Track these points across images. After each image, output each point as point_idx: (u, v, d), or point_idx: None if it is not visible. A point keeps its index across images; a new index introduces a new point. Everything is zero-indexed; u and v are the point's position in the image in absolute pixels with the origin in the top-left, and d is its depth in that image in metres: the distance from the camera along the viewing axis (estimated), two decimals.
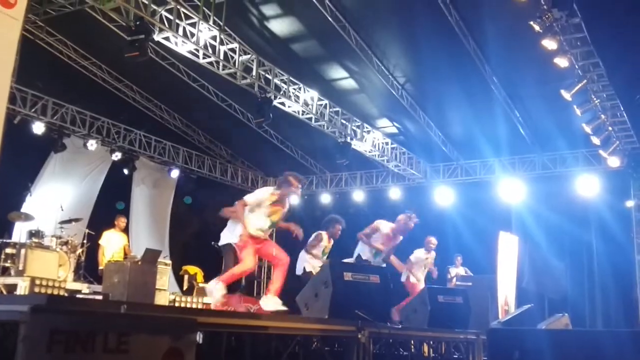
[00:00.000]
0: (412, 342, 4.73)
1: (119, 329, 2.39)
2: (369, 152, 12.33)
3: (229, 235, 7.27)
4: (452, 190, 13.43)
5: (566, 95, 8.19)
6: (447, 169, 13.55)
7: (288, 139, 13.93)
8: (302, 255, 7.94)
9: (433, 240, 9.84)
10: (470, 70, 10.05)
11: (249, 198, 6.18)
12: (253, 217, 6.10)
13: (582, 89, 8.42)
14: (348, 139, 11.58)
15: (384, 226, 7.94)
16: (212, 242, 8.95)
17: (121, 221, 10.04)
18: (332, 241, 8.09)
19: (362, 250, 7.95)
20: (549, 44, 7.24)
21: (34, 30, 11.25)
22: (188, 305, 10.31)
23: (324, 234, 7.98)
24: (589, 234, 13.01)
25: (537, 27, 6.87)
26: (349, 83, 11.45)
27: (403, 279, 9.85)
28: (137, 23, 7.90)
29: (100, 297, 7.90)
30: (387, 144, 12.52)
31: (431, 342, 4.58)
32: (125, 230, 10.65)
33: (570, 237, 13.16)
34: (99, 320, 2.33)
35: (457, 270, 11.43)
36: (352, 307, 4.46)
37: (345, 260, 7.47)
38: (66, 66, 11.63)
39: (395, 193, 14.08)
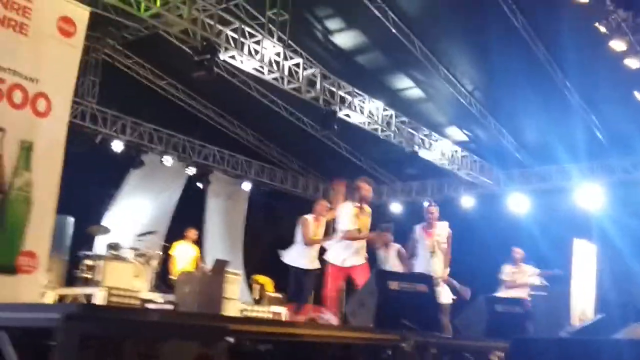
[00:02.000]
0: (466, 353, 4.68)
1: (150, 336, 2.54)
2: (438, 160, 12.20)
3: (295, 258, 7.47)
4: (526, 198, 13.04)
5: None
6: (522, 175, 13.18)
7: (357, 149, 13.98)
8: None
9: (519, 251, 9.72)
10: (541, 75, 9.80)
11: (344, 225, 6.38)
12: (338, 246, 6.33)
13: None
14: (416, 148, 11.52)
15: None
16: (279, 250, 9.18)
17: (192, 233, 10.40)
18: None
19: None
20: (618, 45, 6.97)
21: (113, 54, 11.95)
22: (256, 315, 10.51)
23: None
24: None
25: (603, 29, 6.64)
26: (416, 92, 11.42)
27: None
28: (204, 43, 8.23)
29: (171, 307, 8.23)
30: (456, 152, 12.34)
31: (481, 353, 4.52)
32: (198, 242, 11.00)
33: None
34: (130, 328, 2.48)
35: (530, 280, 11.06)
36: (398, 316, 4.48)
37: None
38: (143, 87, 12.25)
39: (467, 201, 13.83)
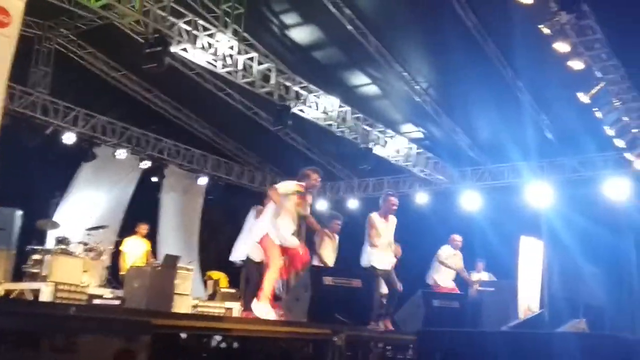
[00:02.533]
0: (390, 346, 4.76)
1: (68, 330, 2.51)
2: (393, 157, 12.30)
3: (244, 248, 7.41)
4: (479, 195, 13.28)
5: (583, 98, 8.06)
6: (475, 173, 13.40)
7: (314, 144, 14.03)
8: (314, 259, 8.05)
9: (458, 238, 9.89)
10: (493, 74, 9.97)
11: (279, 187, 6.34)
12: (280, 222, 6.19)
13: (603, 91, 8.24)
14: (370, 145, 11.59)
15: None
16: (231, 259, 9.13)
17: (142, 228, 10.29)
18: (336, 236, 8.24)
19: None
20: (562, 46, 7.14)
21: (67, 44, 11.72)
22: (210, 311, 10.45)
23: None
24: (622, 240, 12.70)
25: (546, 30, 6.79)
26: (372, 89, 11.50)
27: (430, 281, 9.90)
28: (155, 36, 8.13)
29: (118, 302, 8.12)
30: (411, 149, 12.47)
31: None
32: (149, 237, 10.88)
33: (604, 242, 12.87)
34: (46, 322, 2.46)
35: (479, 276, 11.31)
36: (332, 310, 4.53)
37: None
38: (97, 78, 12.05)
39: (421, 198, 14.00)
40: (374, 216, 7.75)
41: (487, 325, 9.88)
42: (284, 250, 6.21)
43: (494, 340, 3.04)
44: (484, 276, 11.43)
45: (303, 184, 6.42)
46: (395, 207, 7.86)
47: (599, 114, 8.53)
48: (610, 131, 9.10)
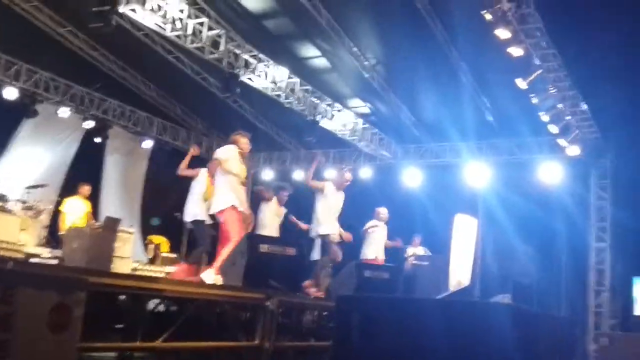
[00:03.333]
0: (325, 312, 4.99)
1: (5, 282, 2.60)
2: (339, 131, 12.48)
3: (199, 211, 7.43)
4: (420, 172, 13.64)
5: (521, 83, 8.38)
6: (417, 150, 13.75)
7: (263, 114, 14.07)
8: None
9: (382, 211, 10.09)
10: (438, 54, 10.21)
11: (220, 154, 6.31)
12: (236, 189, 6.15)
13: (540, 78, 8.58)
14: (318, 117, 11.73)
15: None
16: (176, 214, 9.21)
17: (84, 189, 10.19)
18: (282, 208, 8.40)
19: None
20: (502, 33, 7.40)
21: None
22: (150, 275, 10.50)
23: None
24: (554, 220, 13.32)
25: (488, 17, 7.03)
26: (321, 62, 11.57)
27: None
28: None
29: (56, 262, 8.10)
30: (357, 123, 12.68)
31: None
32: (92, 198, 10.79)
33: (537, 222, 13.46)
34: None
35: (414, 250, 11.70)
36: (267, 277, 4.71)
37: None
38: (42, 32, 11.69)
39: (365, 172, 14.27)
40: (329, 185, 7.99)
41: (420, 296, 10.29)
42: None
43: (407, 305, 3.28)
44: (420, 250, 11.83)
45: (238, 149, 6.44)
46: (347, 183, 8.12)
47: (535, 100, 8.89)
48: (545, 117, 9.49)
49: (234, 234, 5.68)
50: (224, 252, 5.64)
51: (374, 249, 9.90)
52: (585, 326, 11.36)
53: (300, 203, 13.04)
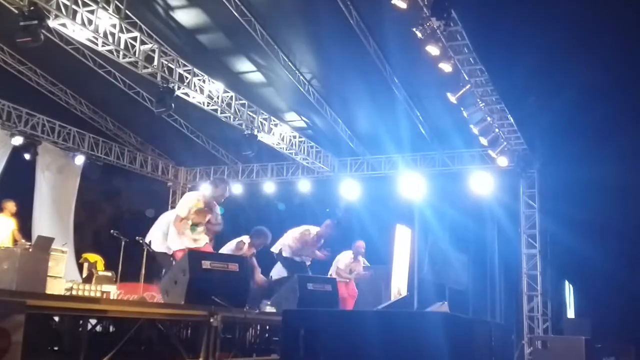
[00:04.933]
0: (268, 327, 5.02)
1: None
2: (277, 144, 12.53)
3: (161, 244, 7.40)
4: (358, 184, 13.84)
5: (452, 98, 8.68)
6: (354, 163, 13.96)
7: (199, 128, 13.96)
8: None
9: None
10: (372, 69, 10.43)
11: (179, 211, 6.41)
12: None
13: (469, 92, 8.90)
14: (255, 132, 11.74)
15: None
16: (137, 238, 8.98)
17: (10, 205, 9.86)
18: (253, 251, 8.35)
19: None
20: (432, 49, 7.66)
21: None
22: (86, 293, 10.23)
23: (246, 244, 8.21)
24: (486, 229, 13.79)
25: (419, 34, 7.26)
26: (257, 76, 11.61)
27: None
28: (31, 8, 7.77)
29: None
30: (294, 137, 12.77)
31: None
32: (22, 216, 10.42)
33: (470, 231, 13.90)
34: None
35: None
36: (209, 293, 4.70)
37: None
38: None
39: (304, 185, 14.38)
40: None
41: (361, 307, 10.42)
42: None
43: (349, 318, 3.35)
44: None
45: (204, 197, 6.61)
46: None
47: (465, 113, 9.21)
48: (475, 130, 9.84)
49: None
50: None
51: None
52: (520, 330, 11.78)
53: (239, 219, 13.05)
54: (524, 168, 11.73)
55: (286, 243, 8.80)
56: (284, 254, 8.71)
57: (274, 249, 8.83)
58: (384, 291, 11.03)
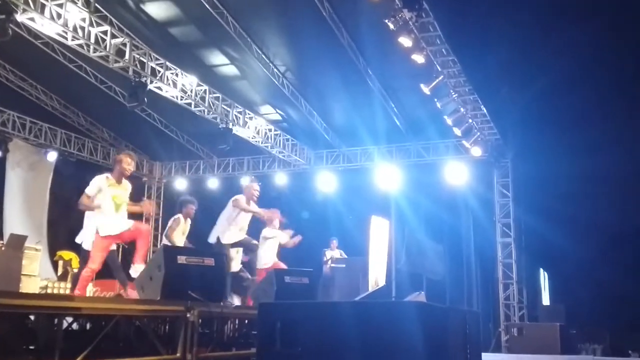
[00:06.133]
0: (246, 321, 5.03)
1: None
2: (252, 138, 12.49)
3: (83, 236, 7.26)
4: (334, 177, 13.87)
5: (425, 89, 8.73)
6: (330, 155, 13.98)
7: (173, 123, 13.85)
8: (164, 240, 8.15)
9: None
10: (346, 61, 10.44)
11: (89, 190, 6.24)
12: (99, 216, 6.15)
13: (442, 83, 8.96)
14: (230, 125, 11.68)
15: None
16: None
17: None
18: (189, 221, 8.32)
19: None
20: (405, 41, 7.69)
21: None
22: (61, 291, 10.13)
23: (180, 217, 8.15)
24: (462, 219, 13.91)
25: (391, 26, 7.28)
26: (230, 69, 11.55)
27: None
28: None
29: None
30: (270, 130, 12.74)
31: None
32: None
33: (446, 221, 14.01)
34: None
35: (332, 253, 11.91)
36: (186, 288, 4.68)
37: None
38: None
39: (281, 179, 14.37)
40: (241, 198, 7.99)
41: (339, 299, 10.45)
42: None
43: (326, 310, 3.37)
44: (336, 253, 12.04)
45: (114, 174, 6.36)
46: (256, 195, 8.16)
47: (439, 104, 9.27)
48: (449, 120, 9.92)
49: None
50: None
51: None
52: (496, 318, 11.94)
53: (215, 213, 12.97)
54: (497, 158, 11.86)
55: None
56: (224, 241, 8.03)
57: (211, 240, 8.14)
58: (362, 282, 11.06)
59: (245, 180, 10.64)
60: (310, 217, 13.77)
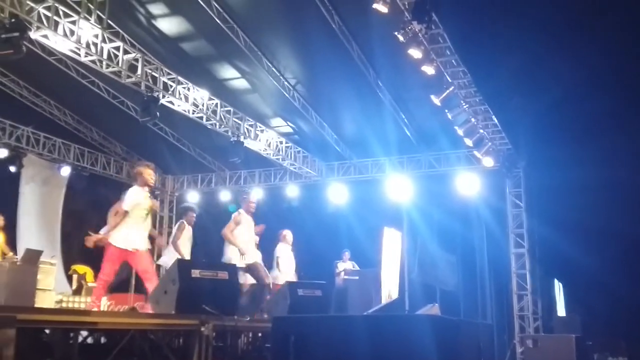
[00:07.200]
0: (260, 334, 5.04)
1: None
2: (264, 150, 12.53)
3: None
4: (345, 188, 13.87)
5: (435, 100, 8.74)
6: (341, 167, 13.99)
7: (185, 136, 13.94)
8: (169, 248, 8.26)
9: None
10: (356, 73, 10.47)
11: (126, 205, 6.27)
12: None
13: (453, 94, 8.96)
14: (241, 138, 11.73)
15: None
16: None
17: None
18: (190, 228, 8.41)
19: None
20: (415, 53, 7.70)
21: None
22: (76, 305, 10.18)
23: (184, 222, 8.43)
24: (474, 231, 13.83)
25: (401, 38, 7.31)
26: (241, 83, 11.63)
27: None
28: (12, 20, 7.72)
29: None
30: (281, 142, 12.78)
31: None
32: (8, 229, 10.34)
33: (459, 232, 13.94)
34: None
35: (344, 265, 11.89)
36: (200, 302, 4.70)
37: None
38: None
39: (292, 191, 14.39)
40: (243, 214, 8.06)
41: (352, 311, 10.42)
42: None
43: (338, 323, 3.36)
44: (349, 265, 12.02)
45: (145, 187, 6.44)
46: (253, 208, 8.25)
47: (449, 115, 9.26)
48: (460, 131, 9.90)
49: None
50: None
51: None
52: (511, 330, 11.83)
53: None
54: (509, 168, 11.80)
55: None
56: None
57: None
58: (375, 295, 11.04)
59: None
60: (322, 229, 13.78)
